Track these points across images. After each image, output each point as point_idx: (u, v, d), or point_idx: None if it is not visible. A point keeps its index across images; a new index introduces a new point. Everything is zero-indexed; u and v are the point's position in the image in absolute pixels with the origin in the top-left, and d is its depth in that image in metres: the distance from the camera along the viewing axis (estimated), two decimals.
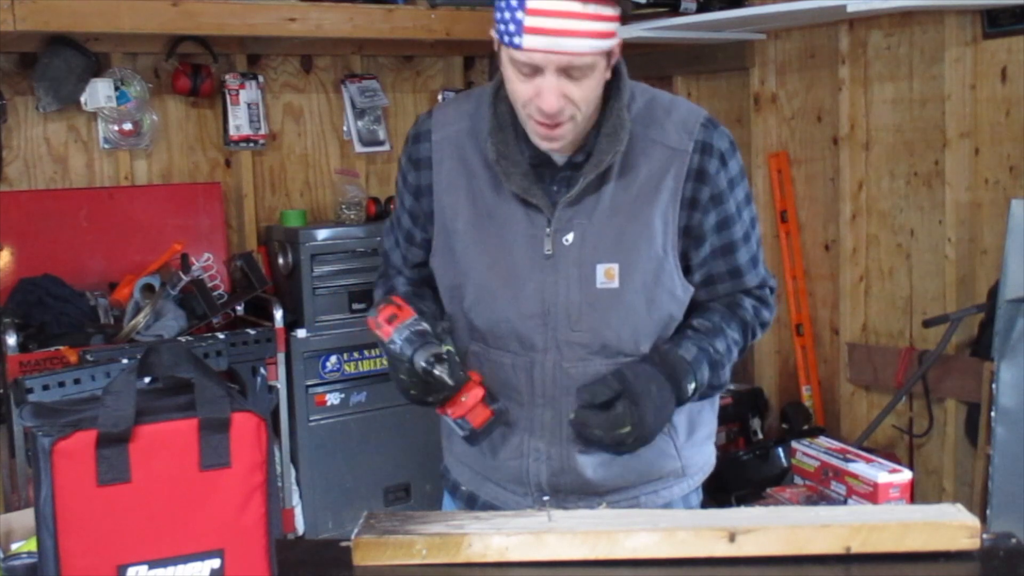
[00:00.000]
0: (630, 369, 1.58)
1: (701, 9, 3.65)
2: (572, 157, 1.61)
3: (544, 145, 1.57)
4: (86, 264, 3.49)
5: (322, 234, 3.60)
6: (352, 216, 3.78)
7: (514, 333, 1.63)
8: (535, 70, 1.48)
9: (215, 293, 3.42)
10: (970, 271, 3.35)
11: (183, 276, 3.38)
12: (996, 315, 3.03)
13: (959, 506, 1.45)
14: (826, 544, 1.38)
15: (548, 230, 1.61)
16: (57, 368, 2.83)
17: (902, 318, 3.61)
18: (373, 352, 3.64)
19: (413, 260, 1.79)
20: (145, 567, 1.20)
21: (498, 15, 1.48)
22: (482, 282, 1.64)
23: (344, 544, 1.41)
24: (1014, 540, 1.45)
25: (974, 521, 1.40)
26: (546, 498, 1.68)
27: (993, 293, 3.12)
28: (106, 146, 3.58)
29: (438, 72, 4.26)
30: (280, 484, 3.43)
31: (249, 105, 3.76)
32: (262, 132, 3.80)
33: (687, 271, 1.66)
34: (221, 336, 3.15)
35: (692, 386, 1.61)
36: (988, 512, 3.01)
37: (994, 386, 3.04)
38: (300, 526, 3.57)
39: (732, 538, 1.38)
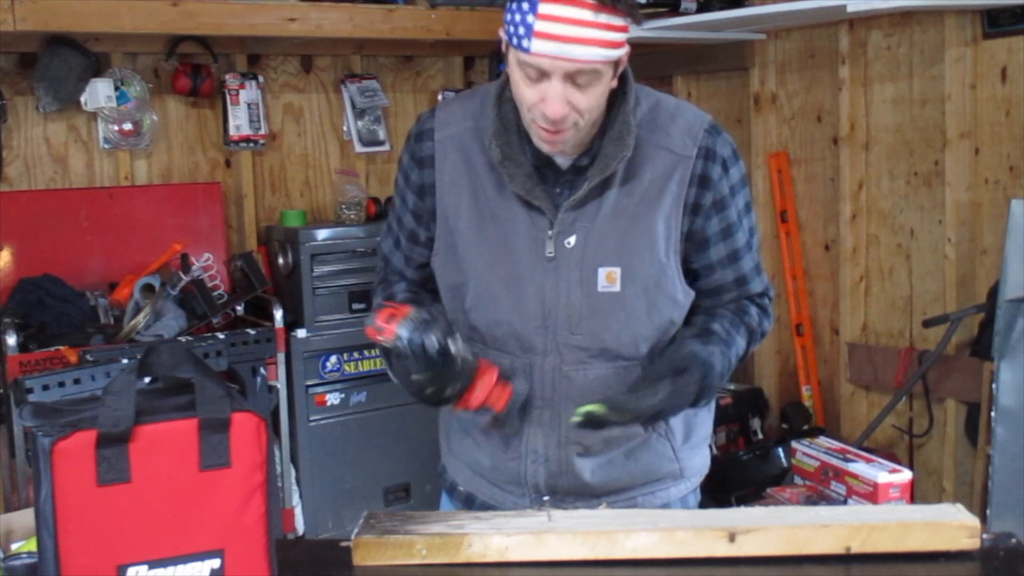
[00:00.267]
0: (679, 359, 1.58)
1: (701, 9, 3.65)
2: (576, 160, 1.61)
3: (546, 148, 1.57)
4: (86, 264, 3.48)
5: (322, 234, 3.60)
6: (352, 216, 3.78)
7: (514, 335, 1.63)
8: (541, 75, 1.48)
9: (215, 293, 3.42)
10: (970, 271, 3.35)
11: (183, 276, 3.38)
12: (996, 315, 3.03)
13: (959, 506, 1.46)
14: (826, 544, 1.39)
15: (550, 232, 1.60)
16: (57, 368, 2.83)
17: (902, 318, 3.61)
18: (373, 352, 3.63)
19: (418, 260, 1.77)
20: (145, 567, 1.20)
21: (508, 16, 1.48)
22: (483, 283, 1.64)
23: (344, 544, 1.41)
24: (1014, 540, 1.45)
25: (974, 521, 1.40)
26: (546, 498, 1.68)
27: (993, 293, 3.12)
28: (106, 146, 3.58)
29: (438, 72, 4.25)
30: (280, 484, 3.43)
31: (249, 105, 3.76)
32: (262, 132, 3.80)
33: (690, 276, 1.66)
34: (221, 336, 3.15)
35: (704, 401, 1.63)
36: (988, 512, 3.01)
37: (994, 386, 3.04)
38: (300, 526, 3.57)
39: (732, 538, 1.38)
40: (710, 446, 1.86)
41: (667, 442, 1.70)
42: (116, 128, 3.55)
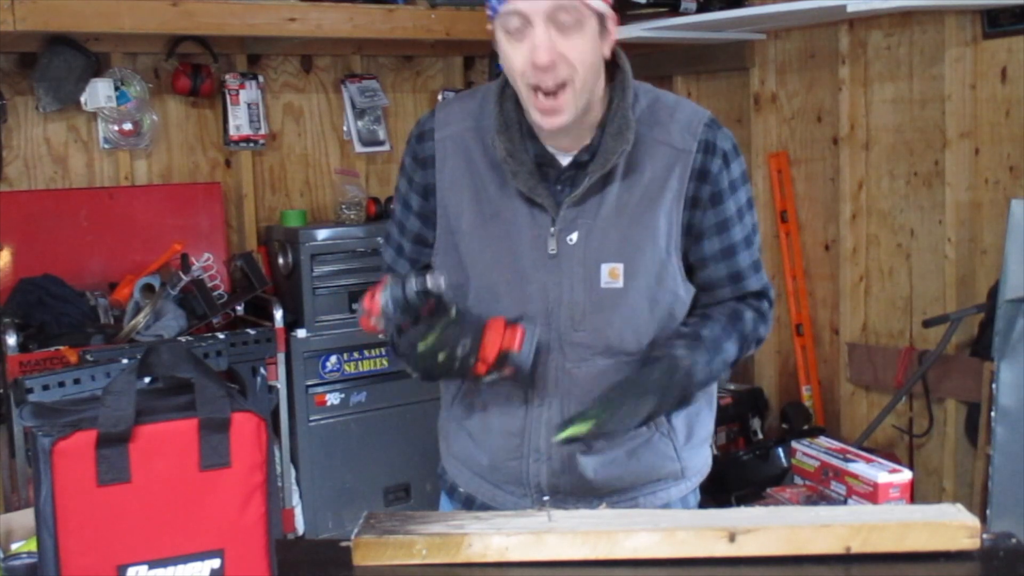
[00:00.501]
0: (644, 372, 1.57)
1: (701, 9, 3.65)
2: (577, 156, 1.61)
3: (548, 123, 1.55)
4: (86, 264, 3.48)
5: (322, 234, 3.60)
6: (352, 216, 3.78)
7: None
8: (525, 23, 1.49)
9: (215, 293, 3.42)
10: (970, 271, 3.35)
11: (183, 276, 3.38)
12: (996, 315, 3.03)
13: (959, 506, 1.45)
14: (826, 544, 1.38)
15: (552, 229, 1.61)
16: (57, 368, 2.83)
17: (902, 318, 3.61)
18: (373, 352, 3.64)
19: (425, 263, 1.75)
20: (145, 567, 1.20)
21: None
22: (485, 281, 1.64)
23: (344, 544, 1.41)
24: (1014, 540, 1.45)
25: (974, 521, 1.40)
26: (546, 498, 1.68)
27: (993, 293, 3.13)
28: (106, 146, 3.58)
29: (438, 72, 4.25)
30: (280, 484, 3.43)
31: (249, 105, 3.76)
32: (262, 132, 3.80)
33: (689, 271, 1.66)
34: (221, 336, 3.15)
35: (683, 407, 1.62)
36: (988, 512, 3.01)
37: (994, 386, 3.04)
38: (300, 526, 3.57)
39: (732, 538, 1.38)
40: (711, 446, 1.86)
41: (669, 441, 1.69)
42: (116, 128, 3.55)
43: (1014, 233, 3.01)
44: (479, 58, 4.26)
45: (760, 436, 3.83)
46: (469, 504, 1.78)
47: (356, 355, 3.63)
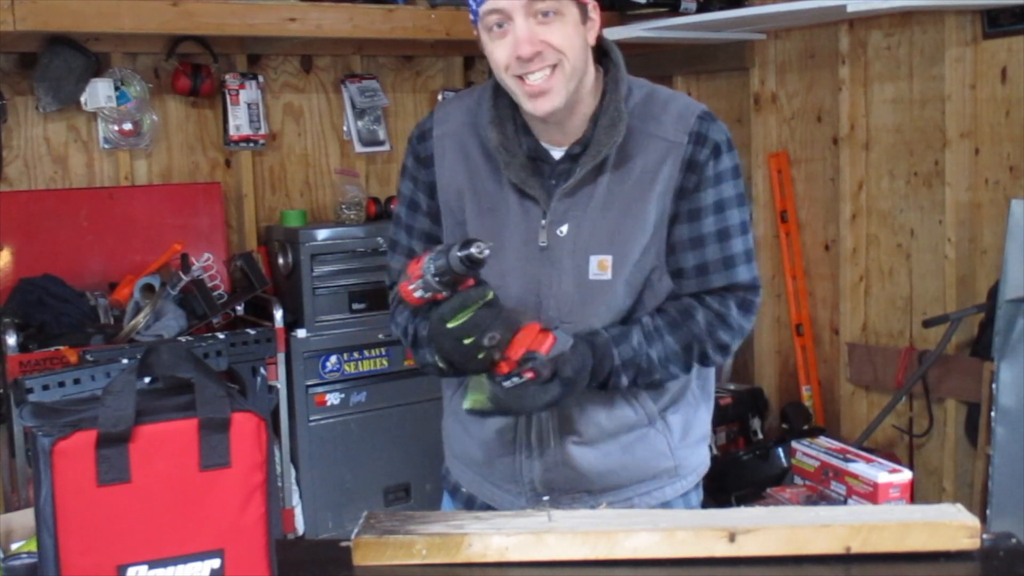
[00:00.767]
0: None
1: (701, 9, 3.65)
2: (569, 149, 1.63)
3: (539, 106, 1.56)
4: (86, 264, 3.48)
5: (322, 234, 3.60)
6: (352, 216, 3.77)
7: None
8: (505, 19, 1.52)
9: (215, 293, 3.42)
10: (970, 271, 3.35)
11: (183, 276, 3.37)
12: (996, 315, 3.03)
13: (959, 506, 1.45)
14: (826, 544, 1.38)
15: (544, 222, 1.62)
16: (57, 368, 2.83)
17: (902, 318, 3.61)
18: (373, 352, 3.64)
19: None
20: (145, 567, 1.20)
21: None
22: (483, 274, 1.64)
23: (344, 544, 1.41)
24: (1014, 540, 1.45)
25: (974, 521, 1.40)
26: (545, 498, 1.68)
27: (993, 293, 3.13)
28: (106, 146, 3.58)
29: (438, 72, 4.25)
30: (280, 484, 3.42)
31: (249, 105, 3.76)
32: (262, 132, 3.80)
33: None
34: (221, 336, 3.15)
35: (601, 384, 1.59)
36: (988, 512, 3.01)
37: (994, 386, 3.04)
38: (300, 526, 3.57)
39: (732, 538, 1.38)
40: (710, 446, 1.85)
41: (664, 438, 1.69)
42: (116, 128, 3.55)
43: (1014, 233, 3.01)
44: (479, 58, 4.26)
45: (760, 436, 3.83)
46: (470, 504, 1.78)
47: (356, 355, 3.63)
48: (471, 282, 1.50)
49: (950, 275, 3.38)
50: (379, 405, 3.66)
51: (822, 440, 2.67)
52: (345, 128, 4.03)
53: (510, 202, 1.63)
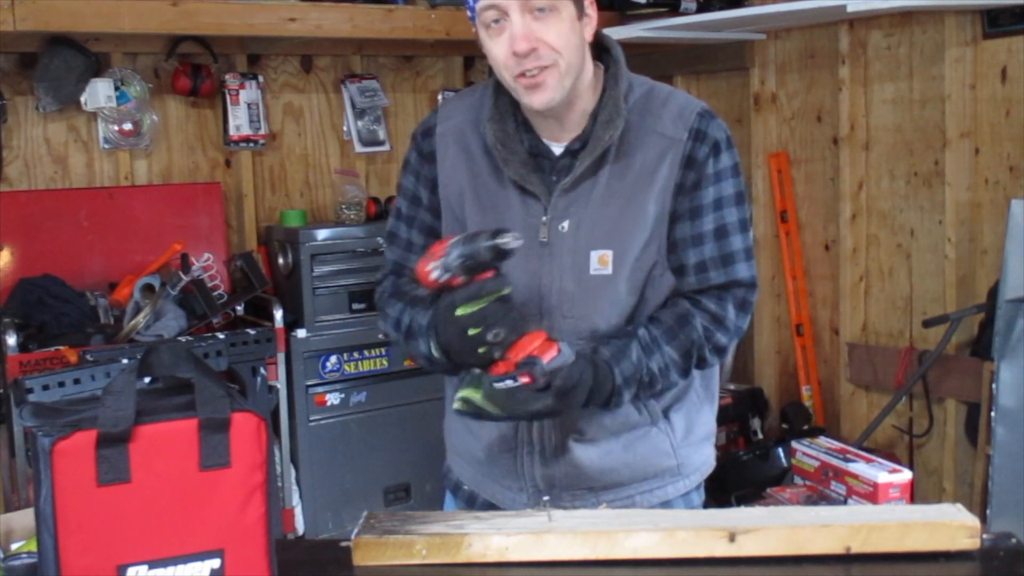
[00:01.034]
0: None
1: (701, 9, 3.65)
2: (569, 145, 1.63)
3: (535, 100, 1.56)
4: (86, 264, 3.48)
5: (322, 234, 3.60)
6: (352, 216, 3.78)
7: None
8: (501, 15, 1.53)
9: (215, 293, 3.42)
10: (970, 271, 3.35)
11: (183, 276, 3.38)
12: (996, 315, 3.03)
13: (959, 506, 1.45)
14: (826, 544, 1.38)
15: (544, 218, 1.62)
16: (57, 368, 2.83)
17: (902, 318, 3.61)
18: (373, 352, 3.64)
19: None
20: (145, 567, 1.20)
21: None
22: None
23: (344, 544, 1.41)
24: (1014, 540, 1.44)
25: (974, 521, 1.40)
26: (545, 498, 1.68)
27: (993, 293, 3.13)
28: (106, 146, 3.58)
29: (438, 72, 4.25)
30: (280, 484, 3.43)
31: (249, 105, 3.76)
32: (262, 132, 3.80)
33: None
34: (221, 336, 3.15)
35: (604, 403, 1.57)
36: (988, 512, 3.01)
37: (994, 386, 3.05)
38: (300, 526, 3.57)
39: (732, 538, 1.38)
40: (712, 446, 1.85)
41: (666, 437, 1.69)
42: (116, 128, 3.55)
43: (1014, 233, 3.02)
44: (479, 58, 4.26)
45: (760, 436, 3.83)
46: (472, 502, 1.78)
47: (356, 355, 3.63)
48: (490, 274, 1.48)
49: (950, 275, 3.38)
50: (379, 405, 3.66)
51: (822, 440, 2.67)
52: (345, 128, 4.03)
53: (511, 198, 1.64)
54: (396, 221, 1.78)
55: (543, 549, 1.39)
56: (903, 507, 2.11)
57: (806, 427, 3.71)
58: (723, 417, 3.74)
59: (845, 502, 2.41)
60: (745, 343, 4.07)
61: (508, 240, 1.44)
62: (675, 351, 1.60)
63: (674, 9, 3.66)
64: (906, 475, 2.36)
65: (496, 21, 1.54)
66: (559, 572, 1.38)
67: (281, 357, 3.43)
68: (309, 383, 3.57)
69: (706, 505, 1.80)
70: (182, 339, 3.16)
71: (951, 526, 1.39)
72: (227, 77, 3.72)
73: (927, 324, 3.30)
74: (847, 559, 1.38)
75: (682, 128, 1.62)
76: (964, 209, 3.33)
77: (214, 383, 1.25)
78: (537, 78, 1.54)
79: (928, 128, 3.43)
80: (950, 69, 3.31)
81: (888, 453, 3.39)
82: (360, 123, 4.02)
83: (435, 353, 1.56)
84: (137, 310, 3.25)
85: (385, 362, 3.66)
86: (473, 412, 1.52)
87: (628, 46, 1.72)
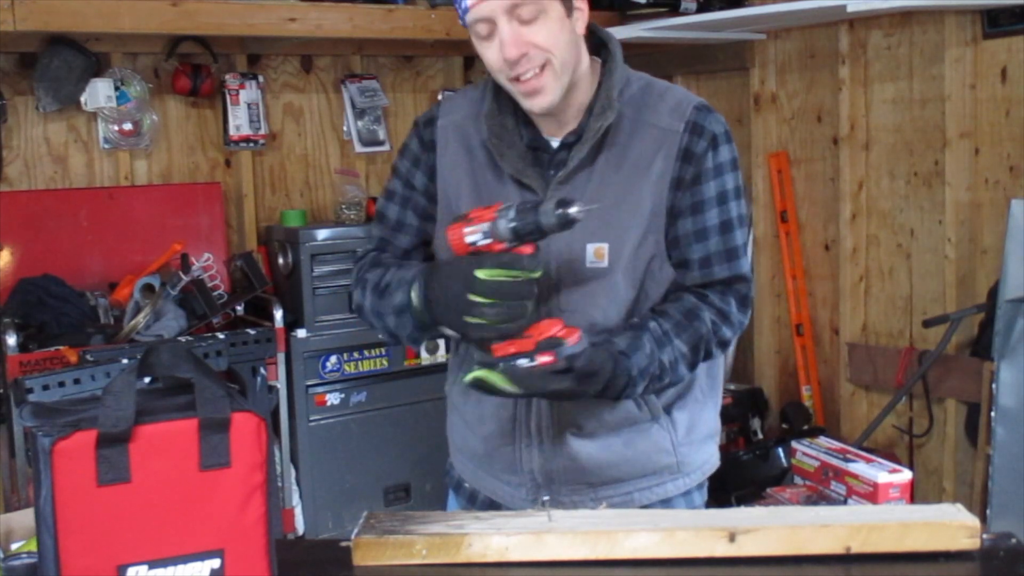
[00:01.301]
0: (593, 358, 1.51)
1: (701, 9, 3.65)
2: (564, 139, 1.64)
3: (534, 103, 1.58)
4: (86, 264, 3.48)
5: (322, 234, 3.60)
6: (352, 216, 3.78)
7: None
8: (491, 25, 1.53)
9: (215, 293, 3.42)
10: (970, 271, 3.35)
11: (183, 276, 3.38)
12: (996, 315, 3.03)
13: (959, 506, 1.45)
14: (826, 544, 1.38)
15: (521, 204, 1.62)
16: (57, 368, 2.83)
17: (902, 318, 3.61)
18: (373, 352, 3.64)
19: (429, 238, 1.76)
20: (145, 567, 1.20)
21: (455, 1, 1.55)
22: None
23: (344, 544, 1.41)
24: (1014, 540, 1.44)
25: (974, 521, 1.40)
26: (545, 497, 1.68)
27: (993, 293, 3.13)
28: (106, 146, 3.58)
29: (438, 72, 4.26)
30: (280, 484, 3.43)
31: (249, 105, 3.76)
32: (262, 132, 3.80)
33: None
34: (221, 336, 3.15)
35: (616, 394, 1.56)
36: (988, 512, 3.01)
37: (994, 386, 3.04)
38: (300, 526, 3.57)
39: (732, 538, 1.38)
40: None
41: (667, 434, 1.69)
42: (116, 128, 3.55)
43: (1014, 233, 3.02)
44: (479, 58, 4.25)
45: (760, 436, 3.83)
46: (473, 500, 1.79)
47: (356, 355, 3.63)
48: (530, 249, 1.46)
49: (950, 275, 3.38)
50: (379, 405, 3.67)
51: (822, 440, 2.67)
52: (345, 128, 4.04)
53: (509, 190, 1.64)
54: (387, 202, 1.77)
55: (543, 549, 1.39)
56: (903, 507, 2.11)
57: (806, 427, 3.71)
58: (723, 417, 3.69)
59: (845, 502, 2.41)
60: (745, 343, 4.07)
61: (577, 210, 1.43)
62: (685, 344, 1.60)
63: (674, 9, 3.66)
64: (906, 475, 2.36)
65: (487, 30, 1.55)
66: (559, 572, 1.38)
67: (281, 357, 3.44)
68: (309, 383, 3.57)
69: (706, 505, 1.80)
70: (182, 339, 3.16)
71: (951, 526, 1.39)
72: (227, 77, 3.72)
73: (927, 324, 3.30)
74: (847, 559, 1.38)
75: (678, 120, 1.62)
76: (964, 209, 3.33)
77: (214, 383, 1.25)
78: (533, 82, 1.55)
79: (928, 128, 3.43)
80: (950, 69, 3.31)
81: (888, 453, 3.39)
82: (360, 123, 4.03)
83: (414, 302, 1.53)
84: (137, 310, 3.25)
85: (385, 362, 3.66)
86: (486, 389, 1.50)
87: (628, 46, 1.73)
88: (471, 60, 4.27)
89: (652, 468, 1.70)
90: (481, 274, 1.44)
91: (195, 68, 3.64)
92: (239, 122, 3.75)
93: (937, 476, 3.51)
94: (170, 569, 1.21)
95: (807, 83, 3.83)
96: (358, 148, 4.04)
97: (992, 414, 3.06)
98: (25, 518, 1.57)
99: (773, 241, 3.96)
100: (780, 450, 3.54)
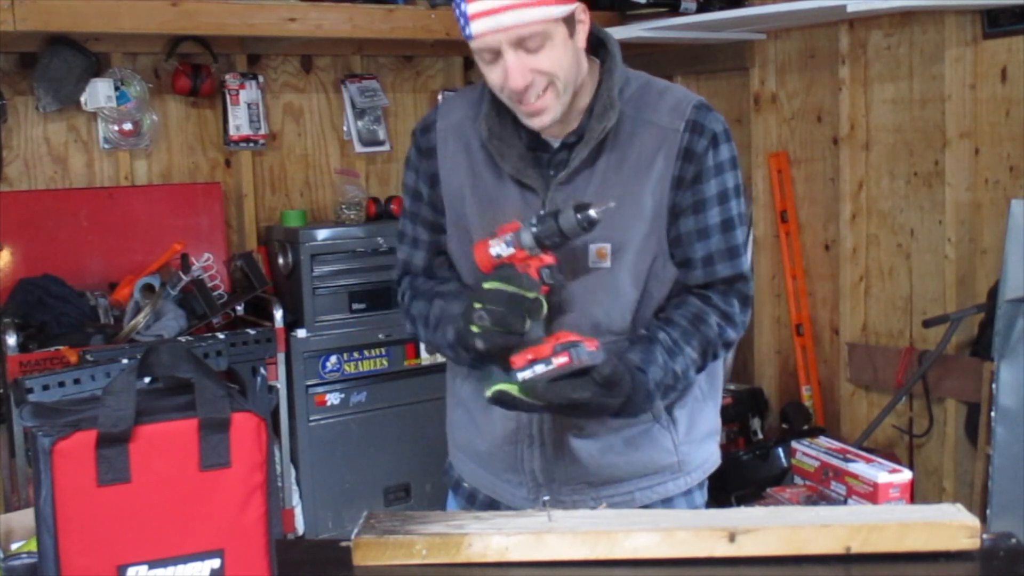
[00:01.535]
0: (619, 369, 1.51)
1: (701, 9, 3.65)
2: (565, 139, 1.64)
3: (536, 123, 1.58)
4: (86, 264, 3.48)
5: (322, 234, 3.60)
6: (352, 216, 3.78)
7: None
8: (495, 53, 1.52)
9: (215, 293, 3.42)
10: (970, 271, 3.35)
11: (183, 276, 3.38)
12: (996, 315, 3.03)
13: (959, 506, 1.45)
14: (826, 544, 1.38)
15: (542, 212, 1.62)
16: (57, 368, 2.83)
17: (902, 318, 3.61)
18: (373, 352, 3.64)
19: (443, 249, 1.76)
20: (145, 567, 1.20)
21: (456, 14, 1.53)
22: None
23: (344, 544, 1.41)
24: (1014, 540, 1.45)
25: (974, 521, 1.40)
26: (545, 497, 1.68)
27: (993, 293, 3.13)
28: (106, 146, 3.58)
29: (438, 72, 4.26)
30: (280, 484, 3.43)
31: (249, 105, 3.76)
32: (262, 132, 3.80)
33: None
34: (221, 336, 3.15)
35: (636, 410, 1.56)
36: (988, 512, 3.01)
37: (994, 386, 3.04)
38: (300, 526, 3.57)
39: (732, 538, 1.38)
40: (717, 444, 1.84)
41: (668, 434, 1.69)
42: (116, 128, 3.55)
43: (1014, 233, 3.01)
44: None
45: (760, 436, 3.83)
46: (472, 500, 1.79)
47: (356, 355, 3.63)
48: (550, 259, 1.51)
49: (950, 275, 3.38)
50: (379, 405, 3.67)
51: (822, 440, 2.67)
52: (345, 128, 4.03)
53: (509, 192, 1.65)
54: (403, 219, 1.81)
55: (543, 549, 1.39)
56: (903, 507, 2.11)
57: (806, 427, 3.71)
58: (723, 417, 3.69)
59: (845, 502, 2.41)
60: (745, 343, 4.07)
61: (596, 212, 1.49)
62: (694, 351, 1.61)
63: (674, 9, 3.66)
64: (906, 475, 2.36)
65: (491, 56, 1.54)
66: (559, 572, 1.38)
67: (281, 357, 3.44)
68: (309, 383, 3.57)
69: (706, 505, 1.80)
70: (182, 339, 3.16)
71: (951, 526, 1.39)
72: (227, 77, 3.72)
73: (927, 324, 3.30)
74: (847, 559, 1.38)
75: (678, 119, 1.62)
76: (964, 209, 3.33)
77: (214, 383, 1.25)
78: (536, 104, 1.55)
79: (928, 128, 3.43)
80: (950, 69, 3.31)
81: (888, 453, 3.39)
82: (360, 123, 4.03)
83: (475, 327, 1.52)
84: (137, 310, 3.25)
85: (385, 362, 3.66)
86: (507, 402, 1.50)
87: (628, 46, 1.73)
88: (471, 60, 4.25)
89: (653, 468, 1.70)
90: (486, 284, 1.49)
91: (195, 68, 3.64)
92: (239, 122, 3.75)
93: (937, 476, 3.51)
94: (170, 569, 1.21)
95: (807, 83, 3.83)
96: (358, 148, 4.04)
97: (992, 414, 3.06)
98: (25, 518, 1.57)
99: (773, 241, 3.96)
100: (780, 450, 3.54)
